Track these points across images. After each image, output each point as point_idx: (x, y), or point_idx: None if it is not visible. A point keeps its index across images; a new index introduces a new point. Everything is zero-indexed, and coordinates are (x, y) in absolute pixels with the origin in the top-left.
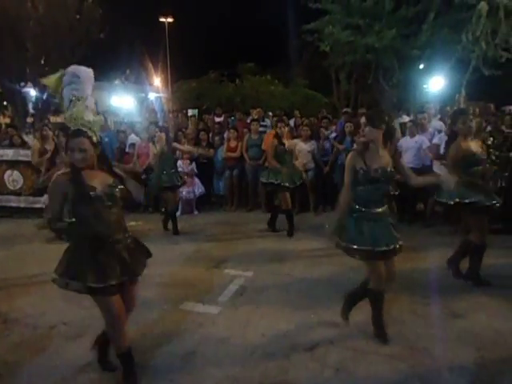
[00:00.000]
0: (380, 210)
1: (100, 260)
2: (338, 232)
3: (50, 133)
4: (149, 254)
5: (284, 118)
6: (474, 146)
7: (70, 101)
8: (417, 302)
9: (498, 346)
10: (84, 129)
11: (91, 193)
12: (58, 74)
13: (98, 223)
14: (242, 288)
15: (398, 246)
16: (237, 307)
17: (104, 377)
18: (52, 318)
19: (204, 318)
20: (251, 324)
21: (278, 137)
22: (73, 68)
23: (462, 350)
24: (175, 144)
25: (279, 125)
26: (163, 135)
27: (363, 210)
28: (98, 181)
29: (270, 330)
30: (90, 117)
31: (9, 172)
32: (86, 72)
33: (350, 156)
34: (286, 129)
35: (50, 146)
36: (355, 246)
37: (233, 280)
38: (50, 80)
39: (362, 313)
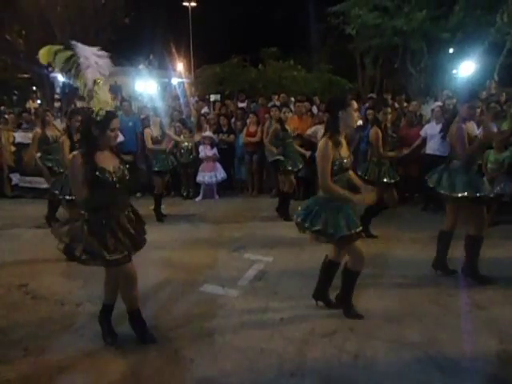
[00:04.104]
0: None
1: (114, 235)
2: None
3: (52, 118)
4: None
5: (306, 103)
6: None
7: (94, 82)
8: (440, 293)
9: None
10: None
11: (104, 175)
12: (53, 49)
13: (110, 202)
14: (262, 273)
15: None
16: (256, 291)
17: (128, 352)
18: (78, 296)
19: (223, 301)
20: (270, 308)
21: (280, 122)
22: (80, 49)
23: (484, 342)
24: (168, 132)
25: (284, 109)
26: (158, 120)
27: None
28: (110, 162)
29: (288, 314)
30: (107, 97)
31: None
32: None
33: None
34: (290, 114)
35: (51, 132)
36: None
37: (252, 265)
38: (43, 52)
39: (383, 301)
